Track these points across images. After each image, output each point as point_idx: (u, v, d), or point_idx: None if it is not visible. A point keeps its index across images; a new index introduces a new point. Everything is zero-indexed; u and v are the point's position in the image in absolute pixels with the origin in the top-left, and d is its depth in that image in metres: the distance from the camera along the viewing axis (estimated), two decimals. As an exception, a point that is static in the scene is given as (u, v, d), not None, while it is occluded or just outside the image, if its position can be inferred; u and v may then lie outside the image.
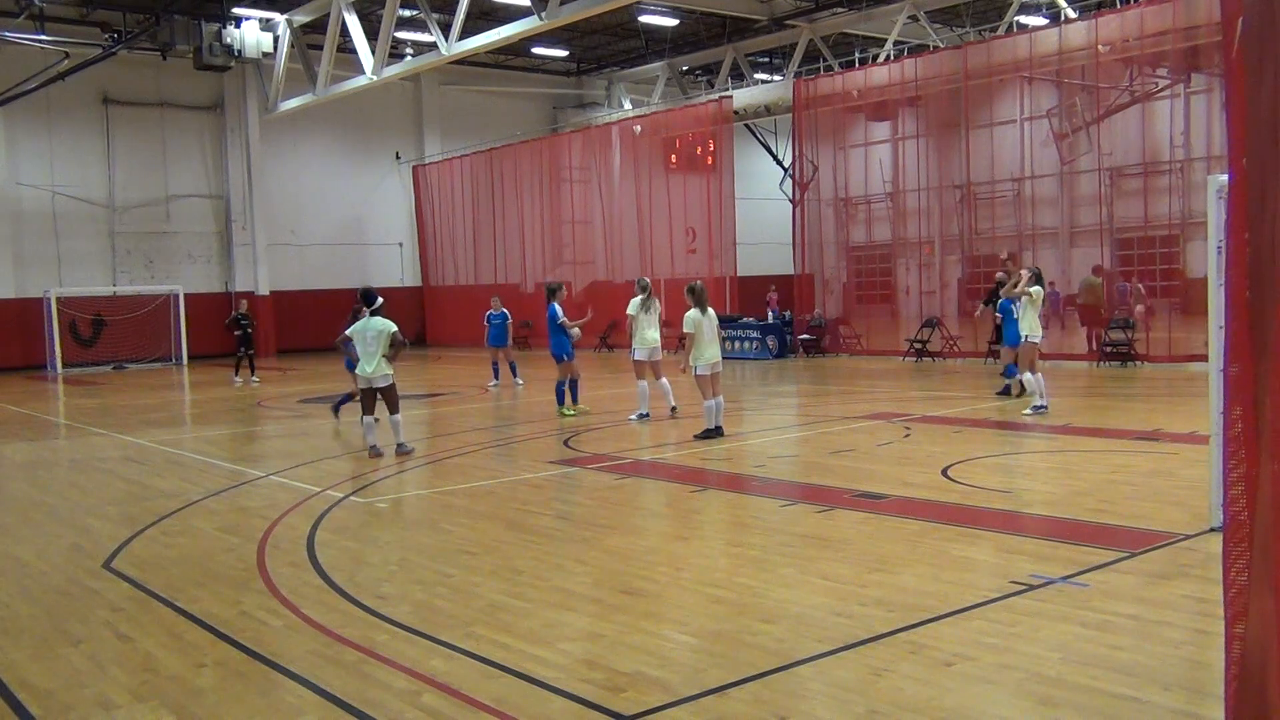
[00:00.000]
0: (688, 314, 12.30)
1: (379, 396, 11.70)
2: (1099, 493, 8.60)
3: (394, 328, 11.57)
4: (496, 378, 19.85)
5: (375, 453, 11.73)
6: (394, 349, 11.55)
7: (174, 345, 30.24)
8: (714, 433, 12.22)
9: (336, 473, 10.95)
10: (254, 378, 22.26)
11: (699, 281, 13.02)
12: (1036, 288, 13.44)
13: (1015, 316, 14.24)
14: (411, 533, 8.32)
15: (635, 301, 14.30)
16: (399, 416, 11.87)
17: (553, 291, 15.68)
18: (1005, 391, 15.24)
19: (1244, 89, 2.44)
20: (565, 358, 15.00)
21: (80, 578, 7.10)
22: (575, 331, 15.31)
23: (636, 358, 14.11)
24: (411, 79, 32.66)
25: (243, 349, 22.13)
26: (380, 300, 11.88)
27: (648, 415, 13.98)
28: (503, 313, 19.67)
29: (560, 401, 15.08)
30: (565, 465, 11.03)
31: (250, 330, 22.29)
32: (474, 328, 33.41)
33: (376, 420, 11.87)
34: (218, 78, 30.40)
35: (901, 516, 8.00)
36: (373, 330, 11.51)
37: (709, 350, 12.20)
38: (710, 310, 12.39)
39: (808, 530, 7.82)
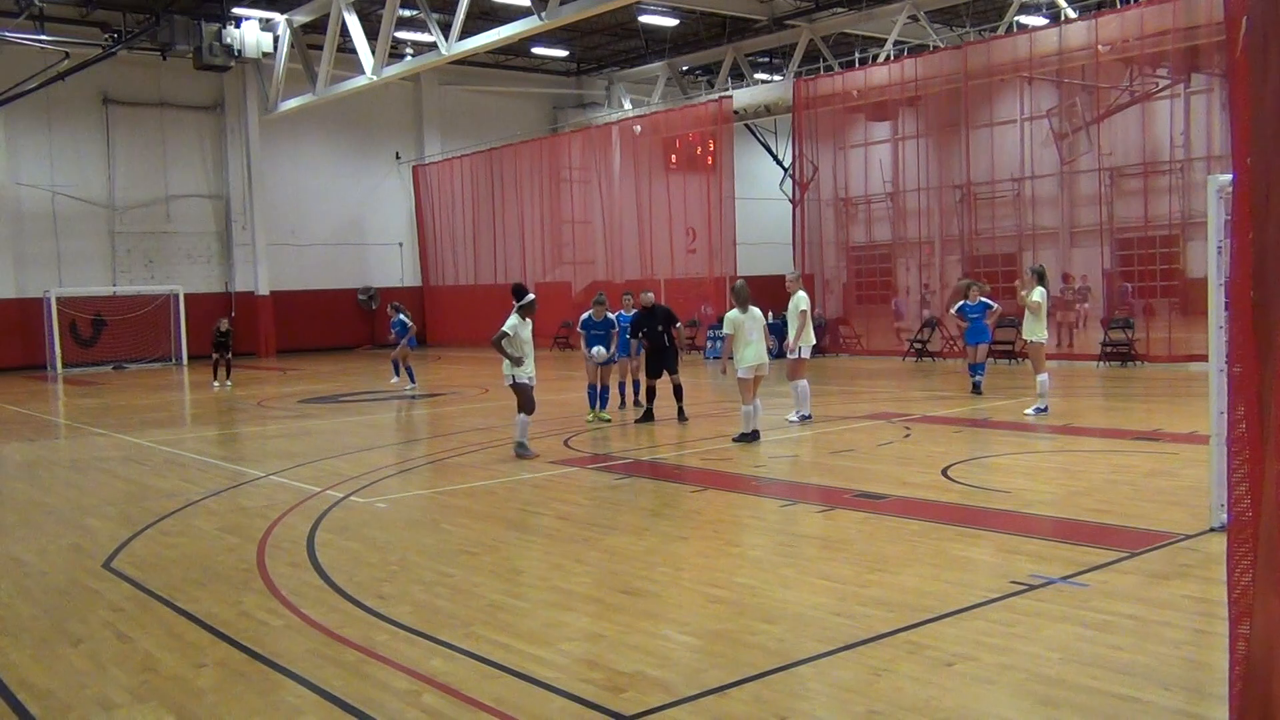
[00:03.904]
0: (727, 314, 11.94)
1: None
2: (1099, 493, 8.60)
3: (506, 326, 11.13)
4: (397, 375, 20.35)
5: (523, 453, 11.37)
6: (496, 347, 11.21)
7: (174, 345, 30.24)
8: (751, 437, 11.89)
9: (336, 473, 10.94)
10: (228, 381, 22.15)
11: (741, 280, 12.50)
12: (1040, 289, 13.42)
13: (985, 321, 15.48)
14: (411, 533, 8.30)
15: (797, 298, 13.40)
16: (520, 416, 11.40)
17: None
18: (976, 389, 15.62)
19: (1248, 88, 2.44)
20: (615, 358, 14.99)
21: (80, 578, 7.10)
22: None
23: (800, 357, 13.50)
24: (411, 79, 32.65)
25: (217, 354, 22.22)
26: (528, 296, 11.32)
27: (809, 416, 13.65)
28: (399, 319, 20.02)
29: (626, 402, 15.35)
30: (565, 465, 11.02)
31: (228, 340, 22.39)
32: (474, 328, 33.59)
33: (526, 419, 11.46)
34: (218, 78, 30.39)
35: (901, 516, 7.99)
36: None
37: (749, 351, 11.69)
38: (754, 310, 11.82)
39: (808, 530, 7.82)
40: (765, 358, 11.82)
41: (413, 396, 18.86)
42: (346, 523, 8.54)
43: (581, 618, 5.83)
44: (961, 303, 15.79)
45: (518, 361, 11.15)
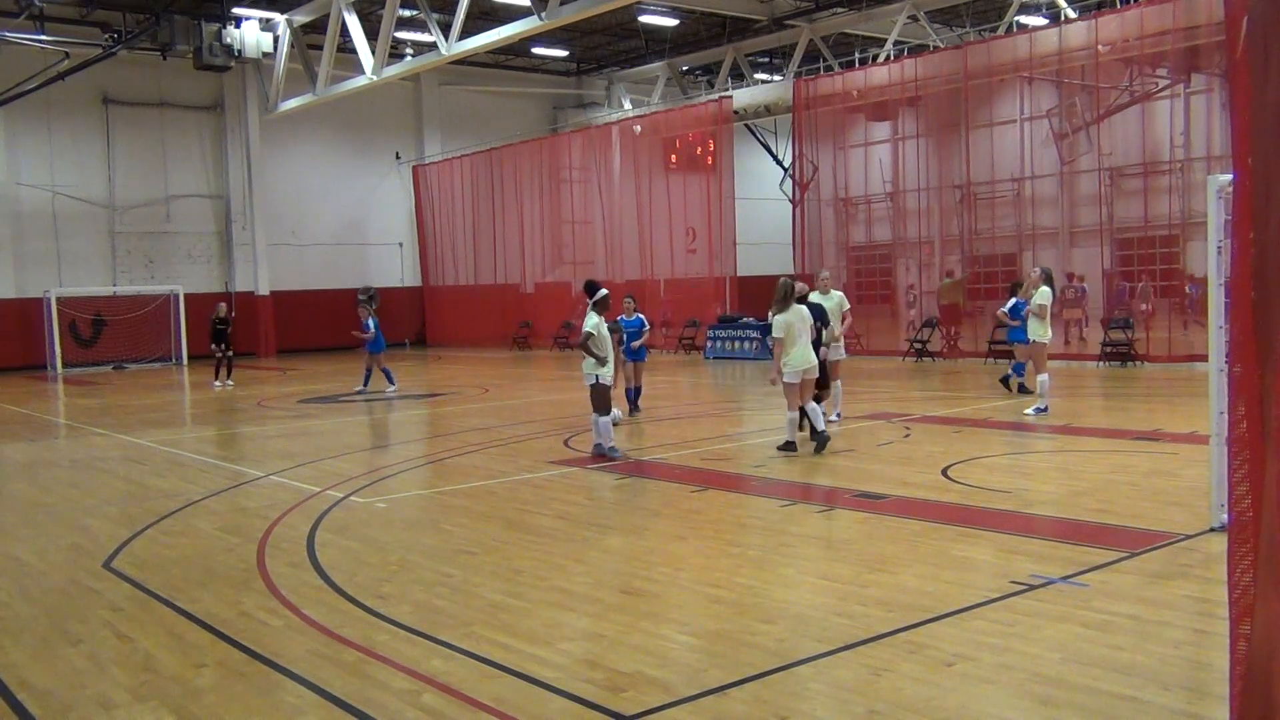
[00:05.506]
0: (776, 316, 10.91)
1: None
2: (1099, 493, 8.60)
3: (587, 326, 10.89)
4: (392, 382, 19.80)
5: (611, 454, 11.09)
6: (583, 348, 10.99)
7: (174, 345, 30.24)
8: (789, 447, 11.02)
9: (336, 473, 10.94)
10: (229, 380, 21.98)
11: (785, 277, 11.46)
12: (1045, 290, 13.39)
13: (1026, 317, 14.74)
14: (411, 533, 8.31)
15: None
16: (595, 417, 11.12)
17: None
18: (1022, 389, 15.32)
19: (1248, 88, 2.44)
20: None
21: (80, 578, 7.09)
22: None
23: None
24: (411, 79, 32.64)
25: (217, 349, 21.96)
26: (600, 292, 11.08)
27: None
28: (367, 323, 19.67)
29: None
30: (565, 465, 11.02)
31: (227, 330, 22.15)
32: (474, 328, 33.60)
33: (610, 418, 11.21)
34: (218, 78, 30.39)
35: (901, 516, 7.99)
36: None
37: (796, 354, 10.83)
38: (802, 308, 11.02)
39: (808, 530, 7.81)
40: (813, 359, 10.97)
41: (390, 398, 18.73)
42: (346, 523, 8.54)
43: (581, 618, 5.83)
44: (1014, 300, 15.43)
45: (603, 361, 10.89)
